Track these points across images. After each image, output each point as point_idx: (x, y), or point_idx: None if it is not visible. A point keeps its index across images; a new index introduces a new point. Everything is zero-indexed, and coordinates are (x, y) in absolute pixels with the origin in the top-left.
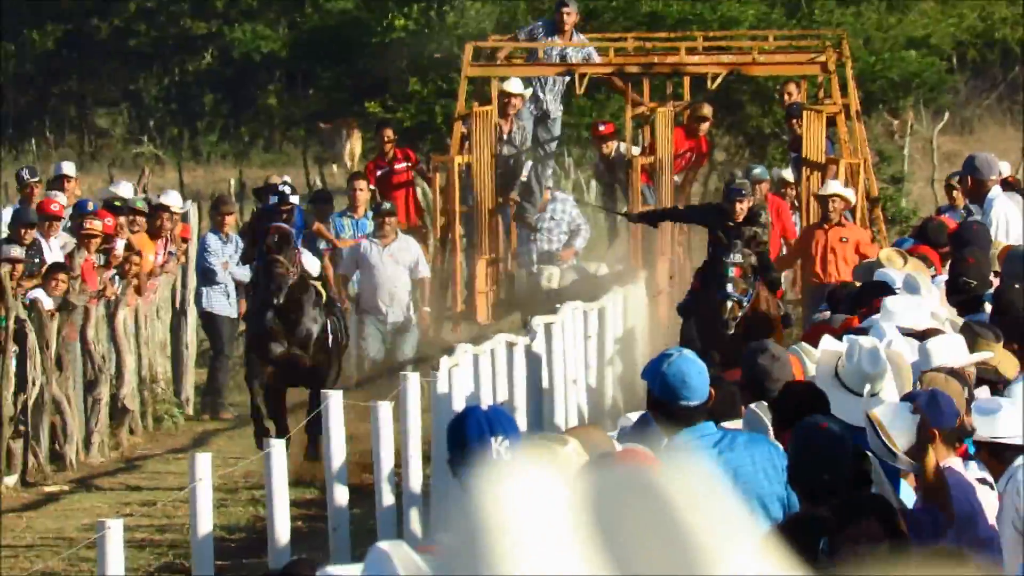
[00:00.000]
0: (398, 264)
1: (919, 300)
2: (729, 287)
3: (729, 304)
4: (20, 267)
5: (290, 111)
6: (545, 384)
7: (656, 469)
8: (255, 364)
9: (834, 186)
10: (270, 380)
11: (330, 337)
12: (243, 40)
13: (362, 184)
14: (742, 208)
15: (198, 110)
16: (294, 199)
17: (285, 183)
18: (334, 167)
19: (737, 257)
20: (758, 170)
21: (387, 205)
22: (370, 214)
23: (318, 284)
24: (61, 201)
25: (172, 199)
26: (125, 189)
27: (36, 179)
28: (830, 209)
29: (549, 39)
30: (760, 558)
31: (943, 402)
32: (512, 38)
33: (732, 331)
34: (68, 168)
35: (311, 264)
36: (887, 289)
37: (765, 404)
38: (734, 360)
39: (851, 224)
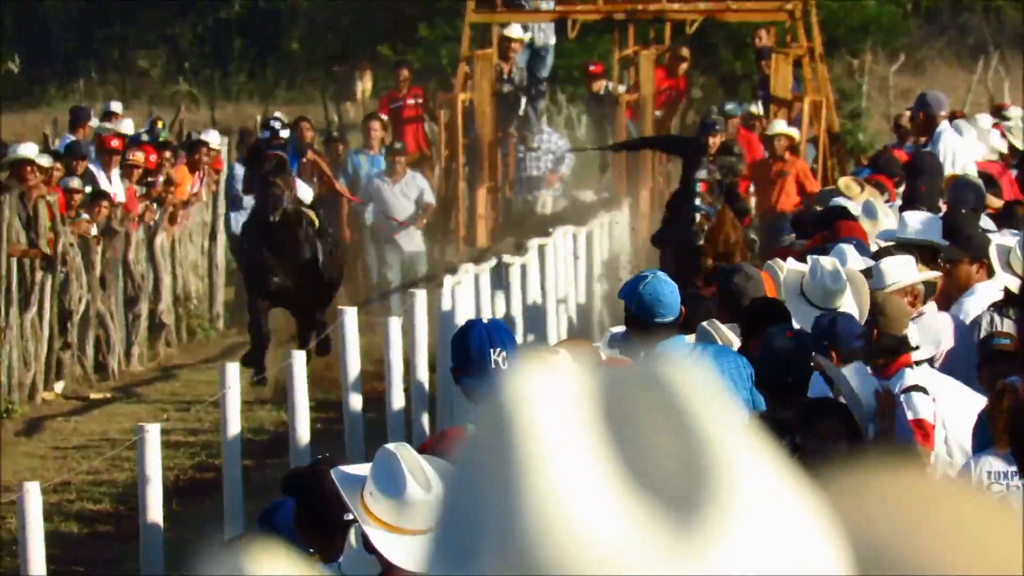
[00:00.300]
0: (408, 198)
1: (907, 259)
2: (697, 200)
3: (697, 216)
4: (78, 196)
5: (311, 54)
6: (538, 301)
7: (661, 363)
8: (255, 296)
9: (779, 125)
10: (267, 309)
11: (321, 261)
12: None
13: (376, 124)
14: (715, 141)
15: (228, 53)
16: (284, 133)
17: (276, 118)
18: (348, 105)
19: (703, 173)
20: (730, 106)
21: (398, 145)
22: (383, 151)
23: (311, 213)
24: (125, 130)
25: (211, 137)
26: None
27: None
28: (776, 146)
29: None
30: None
31: (842, 325)
32: None
33: (701, 241)
34: (115, 106)
35: (304, 192)
36: (846, 214)
37: (716, 322)
38: (708, 283)
39: (793, 158)
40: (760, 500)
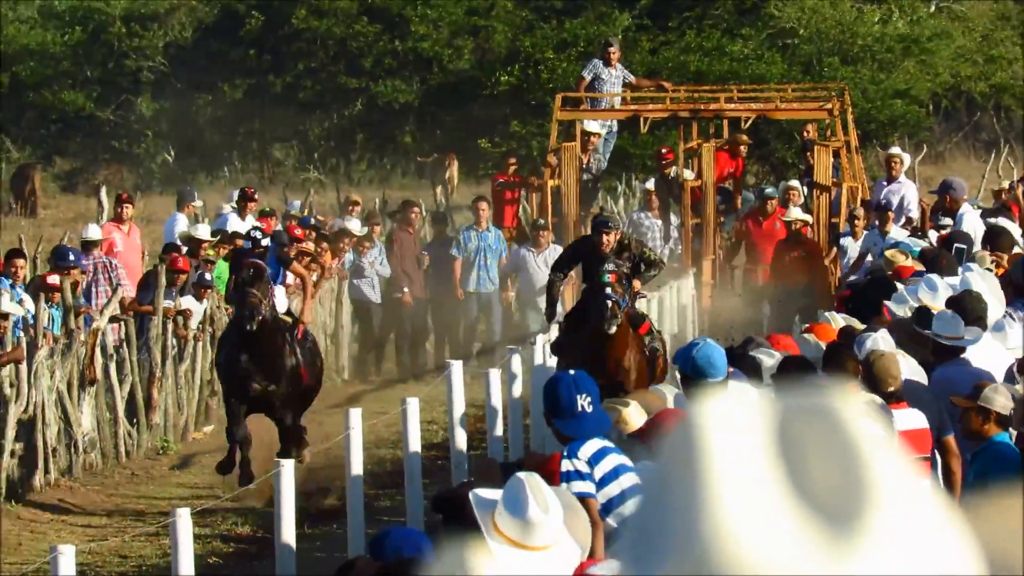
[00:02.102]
0: (547, 267)
1: (994, 344)
2: (608, 290)
3: (609, 304)
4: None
5: (421, 146)
6: None
7: (825, 396)
8: (233, 403)
9: (795, 212)
10: (244, 414)
11: (302, 366)
12: (385, 92)
13: (483, 204)
14: (609, 239)
15: (351, 145)
16: (265, 242)
17: (256, 228)
18: (438, 190)
19: (610, 266)
20: (769, 189)
21: (541, 221)
22: (491, 228)
23: (287, 319)
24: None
25: (353, 225)
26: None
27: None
28: (792, 229)
29: (605, 71)
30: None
31: None
32: (581, 80)
33: (613, 330)
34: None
35: (281, 301)
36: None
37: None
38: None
39: (808, 240)
40: (908, 514)
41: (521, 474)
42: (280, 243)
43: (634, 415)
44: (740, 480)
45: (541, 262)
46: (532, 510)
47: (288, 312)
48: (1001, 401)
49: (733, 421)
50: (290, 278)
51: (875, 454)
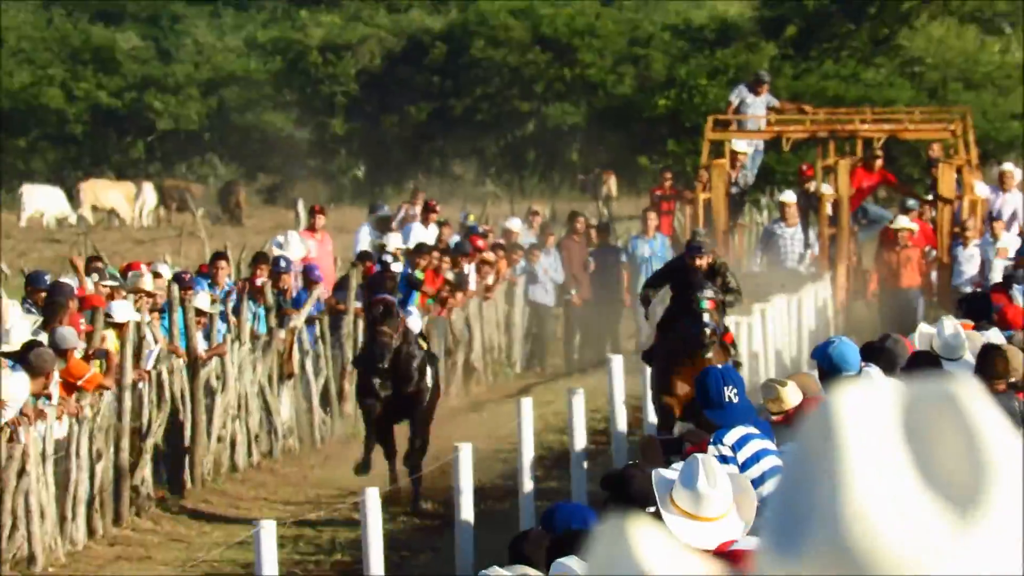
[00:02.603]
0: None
1: None
2: (706, 316)
3: (708, 331)
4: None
5: (586, 163)
6: (760, 348)
7: (951, 384)
8: (370, 415)
9: (902, 221)
10: (381, 423)
11: (430, 381)
12: (554, 114)
13: (652, 215)
14: (701, 263)
15: (523, 162)
16: (396, 267)
17: (389, 252)
18: (599, 203)
19: (709, 292)
20: (911, 202)
21: (703, 230)
22: (657, 235)
23: (421, 341)
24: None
25: (514, 223)
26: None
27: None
28: (899, 237)
29: (751, 97)
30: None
31: None
32: (729, 104)
33: (709, 355)
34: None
35: (414, 324)
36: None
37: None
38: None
39: (913, 247)
40: None
41: (699, 454)
42: (413, 278)
43: (791, 394)
44: (873, 461)
45: None
46: (703, 484)
47: (420, 334)
48: None
49: (866, 407)
50: (470, 281)
51: (995, 437)
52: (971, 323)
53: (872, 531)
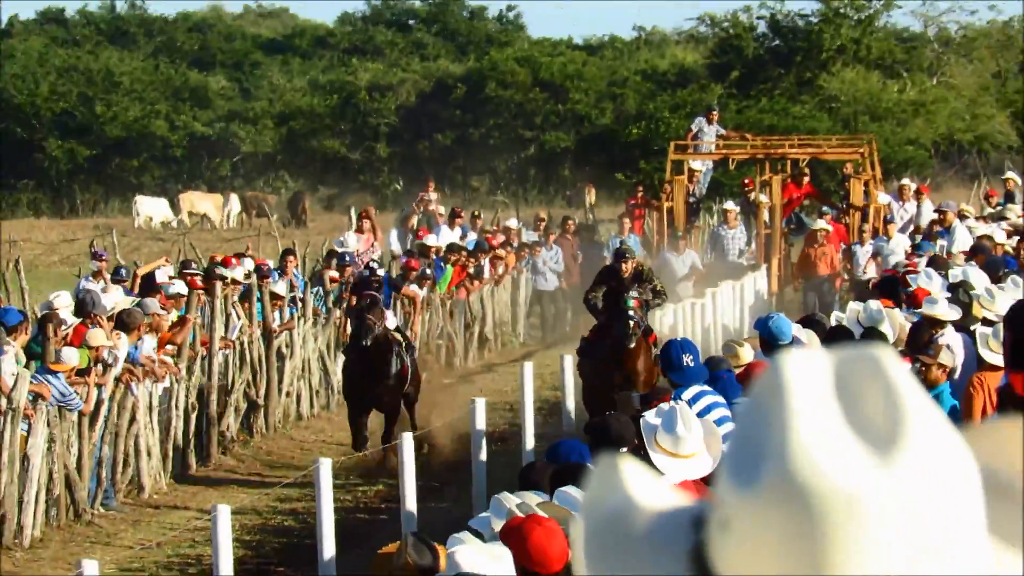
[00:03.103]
0: (685, 265)
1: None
2: (631, 311)
3: (631, 324)
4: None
5: (576, 178)
6: (711, 323)
7: (871, 348)
8: (354, 402)
9: (820, 223)
10: (357, 406)
11: (408, 371)
12: (551, 141)
13: (626, 220)
14: (627, 267)
15: (526, 177)
16: (380, 271)
17: (374, 260)
18: (583, 210)
19: (634, 292)
20: (826, 208)
21: (679, 232)
22: (632, 235)
23: (397, 335)
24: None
25: (512, 222)
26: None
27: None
28: (818, 236)
29: (706, 127)
30: None
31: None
32: (688, 132)
33: (632, 344)
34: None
35: (392, 320)
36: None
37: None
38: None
39: (828, 244)
40: (932, 439)
41: (674, 403)
42: (393, 281)
43: (746, 352)
44: (811, 409)
45: (678, 261)
46: (680, 428)
47: (397, 328)
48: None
49: (807, 367)
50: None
51: (907, 390)
52: (890, 301)
53: (811, 464)
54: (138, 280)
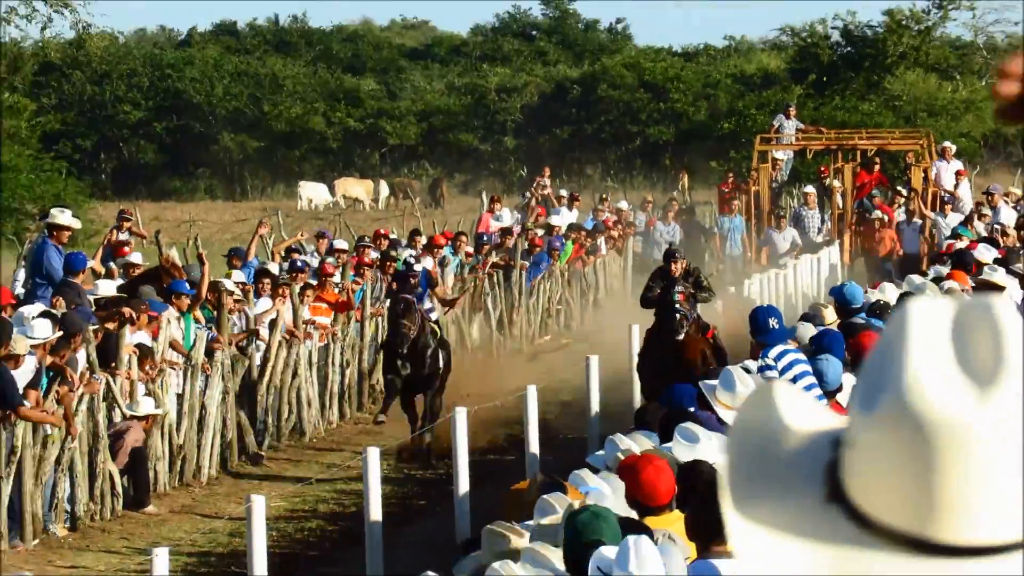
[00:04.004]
0: (786, 241)
1: None
2: (676, 305)
3: (678, 316)
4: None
5: (675, 167)
6: (793, 291)
7: (987, 298)
8: (390, 389)
9: (876, 213)
10: (403, 396)
11: (440, 360)
12: (653, 135)
13: (736, 202)
14: (676, 267)
15: (632, 165)
16: (417, 267)
17: (412, 256)
18: (674, 193)
19: (679, 287)
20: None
21: (781, 211)
22: (738, 216)
23: (435, 326)
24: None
25: (624, 207)
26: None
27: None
28: (875, 218)
29: (786, 122)
30: None
31: None
32: (771, 127)
33: (681, 336)
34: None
35: (430, 315)
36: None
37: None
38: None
39: (883, 229)
40: None
41: (730, 367)
42: (430, 279)
43: (830, 314)
44: (928, 348)
45: (780, 238)
46: (739, 386)
47: (436, 321)
48: None
49: (928, 311)
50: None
51: (1014, 337)
52: (962, 273)
53: (921, 396)
54: (279, 255)
